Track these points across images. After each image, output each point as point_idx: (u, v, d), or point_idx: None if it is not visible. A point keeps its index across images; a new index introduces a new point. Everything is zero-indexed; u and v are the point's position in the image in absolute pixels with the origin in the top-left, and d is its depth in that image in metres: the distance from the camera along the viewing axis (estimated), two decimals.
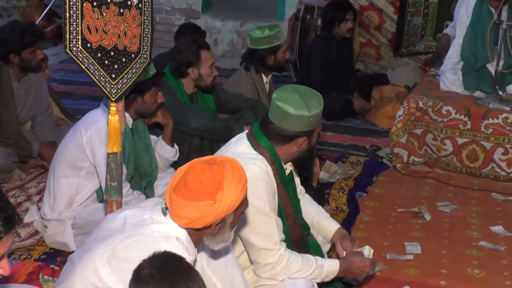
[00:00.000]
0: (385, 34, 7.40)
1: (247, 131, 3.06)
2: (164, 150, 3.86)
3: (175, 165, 3.83)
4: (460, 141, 4.88)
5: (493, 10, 5.15)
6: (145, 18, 2.63)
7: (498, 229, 4.10)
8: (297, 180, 3.28)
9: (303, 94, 2.92)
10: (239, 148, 2.97)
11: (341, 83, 6.20)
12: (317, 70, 6.14)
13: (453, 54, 5.42)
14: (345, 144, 5.51)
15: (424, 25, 7.24)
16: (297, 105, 2.84)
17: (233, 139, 3.07)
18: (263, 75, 4.86)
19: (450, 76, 5.30)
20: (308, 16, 7.10)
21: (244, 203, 2.38)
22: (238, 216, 2.40)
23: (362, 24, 7.40)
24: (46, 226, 3.62)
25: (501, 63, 5.06)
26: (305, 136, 2.92)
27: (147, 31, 2.66)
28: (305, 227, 3.18)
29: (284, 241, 2.94)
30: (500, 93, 5.10)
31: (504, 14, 5.11)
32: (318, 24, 6.90)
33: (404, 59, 7.30)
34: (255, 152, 2.93)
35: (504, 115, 4.79)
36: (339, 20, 6.10)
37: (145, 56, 2.67)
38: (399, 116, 5.04)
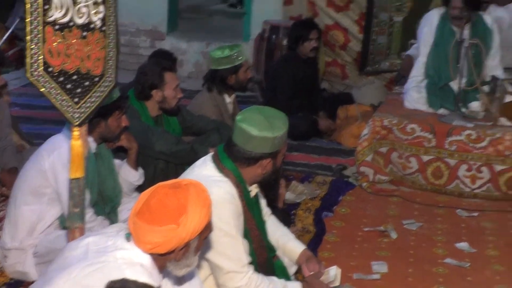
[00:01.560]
0: (351, 53, 7.50)
1: (212, 153, 3.08)
2: (129, 174, 3.86)
3: (140, 189, 3.83)
4: (425, 158, 4.96)
5: (455, 29, 5.26)
6: (109, 40, 2.62)
7: (463, 245, 4.16)
8: (263, 202, 3.31)
9: (268, 115, 2.94)
10: (204, 171, 2.98)
11: (307, 103, 6.25)
12: (283, 90, 6.19)
13: (417, 72, 5.51)
14: (312, 164, 5.56)
15: (389, 44, 7.35)
16: (262, 127, 2.87)
17: (198, 162, 3.10)
18: (226, 96, 4.89)
19: (415, 94, 5.38)
20: (274, 36, 7.17)
21: (209, 226, 2.39)
22: (203, 240, 2.41)
23: (328, 44, 7.49)
24: (6, 256, 3.56)
25: (464, 80, 5.16)
26: (270, 158, 2.95)
27: (112, 54, 2.65)
28: (271, 249, 3.20)
29: (251, 263, 2.96)
30: (463, 110, 5.19)
31: (466, 33, 5.22)
32: (284, 44, 6.98)
33: (370, 77, 7.39)
34: (220, 175, 2.95)
35: (467, 131, 4.87)
36: (303, 40, 6.17)
37: (109, 79, 2.66)
38: (365, 135, 5.10)
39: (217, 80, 4.83)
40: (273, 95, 6.25)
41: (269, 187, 3.29)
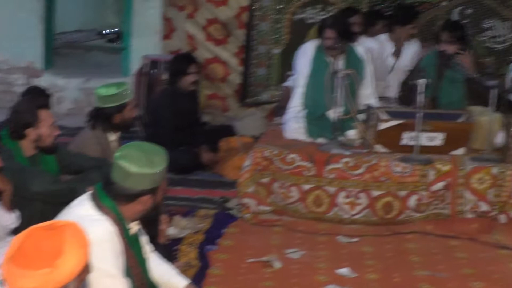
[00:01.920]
0: (231, 85, 7.59)
1: (90, 192, 3.03)
2: (3, 218, 3.73)
3: (17, 232, 3.71)
4: (306, 187, 5.05)
5: (330, 60, 5.43)
6: None
7: (344, 271, 4.25)
8: (144, 239, 3.28)
9: (146, 151, 2.93)
10: (82, 210, 2.93)
11: (189, 136, 6.25)
12: (164, 125, 6.18)
13: (295, 103, 5.63)
14: (195, 198, 5.55)
15: (268, 76, 7.49)
16: (140, 163, 2.85)
17: (75, 201, 3.04)
18: (110, 134, 4.82)
19: (294, 124, 5.49)
20: (154, 71, 7.17)
21: (87, 268, 2.34)
22: (82, 281, 2.37)
23: (208, 77, 7.54)
24: None
25: (340, 110, 5.29)
26: (149, 194, 2.94)
27: None
28: (153, 287, 3.18)
29: None
30: (341, 138, 5.33)
31: (341, 63, 5.38)
32: (164, 78, 6.97)
33: (250, 109, 7.49)
34: (99, 213, 2.90)
35: (345, 159, 5.01)
36: (182, 74, 6.20)
37: None
38: (246, 166, 5.14)
39: (102, 118, 4.73)
40: (155, 129, 6.22)
41: (150, 224, 3.28)
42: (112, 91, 4.68)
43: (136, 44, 7.86)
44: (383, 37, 6.52)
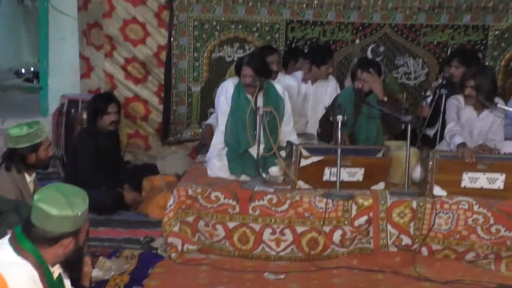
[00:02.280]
0: (152, 124, 7.53)
1: (9, 235, 2.89)
2: None
3: None
4: (231, 225, 5.00)
5: (249, 97, 5.45)
6: None
7: None
8: (67, 282, 3.14)
9: (66, 193, 2.83)
10: (0, 254, 2.79)
11: (111, 176, 6.14)
12: (84, 165, 6.04)
13: (218, 141, 5.62)
14: (119, 238, 5.40)
15: (189, 114, 7.46)
16: (60, 206, 2.75)
17: None
18: (26, 174, 4.66)
19: (216, 162, 5.45)
20: (72, 110, 7.02)
21: None
22: None
23: (129, 115, 7.47)
24: None
25: (262, 147, 5.31)
26: (71, 237, 2.83)
27: None
28: None
29: None
30: (264, 175, 5.33)
31: (260, 101, 5.42)
32: (83, 117, 6.85)
33: (173, 147, 7.44)
34: (19, 257, 2.77)
35: (269, 196, 4.99)
36: (102, 113, 6.10)
37: None
38: (170, 205, 5.05)
39: (16, 159, 4.58)
40: (74, 170, 6.08)
41: (73, 267, 3.14)
42: (25, 131, 4.53)
43: (54, 83, 7.70)
44: (300, 74, 6.60)
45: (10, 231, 3.15)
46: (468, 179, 5.04)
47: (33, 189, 4.71)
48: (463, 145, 5.18)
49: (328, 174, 5.09)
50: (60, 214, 2.75)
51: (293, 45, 7.24)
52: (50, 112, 7.60)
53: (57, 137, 7.05)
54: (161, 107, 7.46)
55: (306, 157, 5.12)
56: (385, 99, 5.55)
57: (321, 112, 6.24)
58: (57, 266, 2.94)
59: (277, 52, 6.53)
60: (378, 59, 7.22)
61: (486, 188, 5.04)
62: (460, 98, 5.63)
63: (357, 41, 7.30)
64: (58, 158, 6.97)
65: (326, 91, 6.60)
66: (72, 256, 2.92)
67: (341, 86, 6.65)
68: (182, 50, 7.28)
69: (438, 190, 5.04)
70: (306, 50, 7.10)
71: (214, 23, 7.21)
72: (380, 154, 5.30)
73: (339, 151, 4.96)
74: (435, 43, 7.30)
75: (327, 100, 6.46)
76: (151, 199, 6.07)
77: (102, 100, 6.21)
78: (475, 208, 4.93)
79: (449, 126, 5.50)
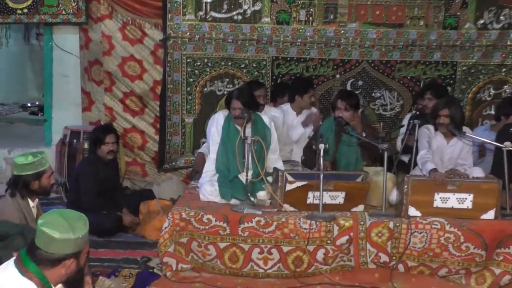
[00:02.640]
0: (149, 153, 7.51)
1: (14, 257, 2.88)
2: None
3: None
4: (222, 245, 4.98)
5: (238, 127, 5.47)
6: None
7: None
8: None
9: (68, 217, 2.84)
10: (6, 276, 2.78)
11: (111, 201, 6.13)
12: (86, 191, 6.02)
13: (209, 168, 5.62)
14: (118, 259, 5.37)
15: (183, 143, 7.45)
16: (62, 229, 2.76)
17: (0, 267, 2.87)
18: (29, 200, 4.63)
19: (208, 187, 5.44)
20: (75, 141, 7.02)
21: None
22: None
23: (127, 145, 7.46)
24: None
25: (250, 173, 5.32)
26: (73, 258, 2.83)
27: None
28: None
29: None
30: (252, 199, 5.33)
31: (249, 131, 5.44)
32: (85, 147, 6.84)
33: (168, 174, 7.42)
34: (23, 278, 2.77)
35: (257, 218, 4.98)
36: (100, 143, 6.11)
37: None
38: (166, 227, 5.03)
39: (20, 185, 4.57)
40: (77, 196, 6.05)
41: (74, 286, 3.11)
42: (30, 159, 4.55)
43: (57, 116, 7.68)
44: (286, 107, 6.62)
45: (15, 253, 3.14)
46: (439, 199, 5.06)
47: (36, 214, 4.69)
48: (434, 170, 5.21)
49: (311, 197, 5.09)
50: (63, 237, 2.75)
51: (278, 80, 7.27)
52: (53, 143, 7.58)
53: (60, 166, 7.03)
54: (157, 137, 7.45)
55: (291, 182, 5.12)
56: (364, 134, 5.59)
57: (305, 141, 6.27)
58: (60, 285, 2.92)
59: (263, 87, 6.56)
60: (357, 92, 7.25)
61: (456, 208, 5.06)
62: (431, 127, 5.68)
63: (338, 76, 7.34)
64: (61, 185, 6.94)
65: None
66: (73, 276, 2.92)
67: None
68: (176, 85, 7.29)
69: (413, 211, 5.06)
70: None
71: (206, 60, 7.24)
72: (359, 179, 5.31)
73: (321, 176, 4.97)
74: (408, 78, 7.34)
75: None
76: (147, 222, 6.04)
77: (100, 131, 6.23)
78: (447, 227, 4.93)
79: (421, 154, 5.53)
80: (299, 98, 6.53)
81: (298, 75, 7.26)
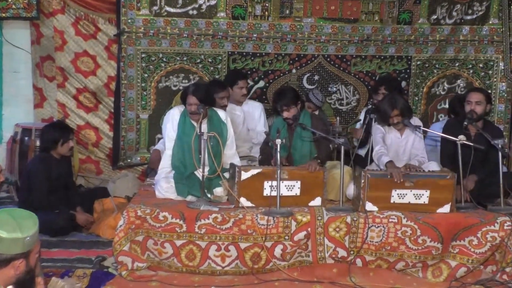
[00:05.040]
0: (103, 150, 7.40)
1: None
2: None
3: None
4: (178, 243, 4.91)
5: (194, 123, 5.40)
6: None
7: None
8: None
9: (17, 216, 2.74)
10: None
11: (64, 199, 5.98)
12: (38, 189, 5.85)
13: (165, 164, 5.56)
14: (72, 258, 5.23)
15: (138, 140, 7.35)
16: (10, 228, 2.66)
17: None
18: None
19: (164, 184, 5.37)
20: (26, 138, 6.82)
21: None
22: None
23: (80, 142, 7.33)
24: None
25: (207, 169, 5.26)
26: (22, 258, 2.72)
27: None
28: None
29: None
30: (209, 195, 5.28)
31: (205, 127, 5.39)
32: (37, 145, 6.66)
33: (123, 171, 7.31)
34: None
35: (214, 215, 4.92)
36: (55, 141, 5.96)
37: None
38: (121, 225, 4.92)
39: None
40: (29, 194, 5.87)
41: (25, 287, 3.01)
42: None
43: (8, 113, 7.48)
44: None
45: None
46: (397, 195, 5.08)
47: None
48: (390, 162, 5.24)
49: (268, 188, 5.06)
50: (10, 237, 2.65)
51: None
52: (4, 140, 7.37)
53: (11, 164, 6.84)
54: (111, 134, 7.34)
55: (246, 170, 5.08)
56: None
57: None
58: (10, 287, 2.81)
59: (227, 88, 6.44)
60: (313, 86, 7.27)
61: (413, 203, 5.09)
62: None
63: (294, 70, 7.33)
64: (12, 184, 6.76)
65: (255, 116, 6.64)
66: (24, 276, 2.82)
67: None
68: (131, 80, 7.18)
69: (370, 206, 5.06)
70: None
71: (161, 55, 7.14)
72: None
73: (279, 171, 4.95)
74: (364, 72, 7.37)
75: (261, 125, 6.61)
76: (102, 220, 5.92)
77: (55, 129, 6.06)
78: (404, 221, 4.95)
79: (376, 149, 5.58)
80: (230, 90, 6.52)
81: (254, 70, 7.23)
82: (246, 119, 6.56)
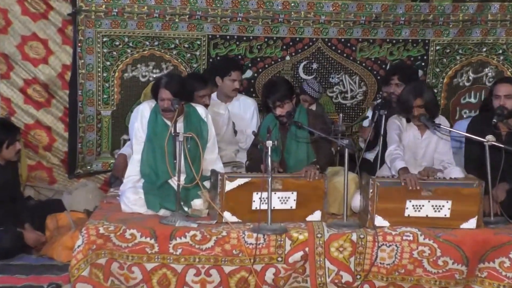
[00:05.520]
0: (57, 154, 7.41)
1: None
2: None
3: None
4: (149, 266, 4.93)
5: (168, 122, 5.42)
6: None
7: None
8: None
9: None
10: None
11: (9, 214, 6.00)
12: None
13: (133, 171, 5.60)
14: (18, 286, 5.25)
15: (99, 142, 7.36)
16: None
17: None
18: None
19: (131, 195, 5.40)
20: None
21: None
22: None
23: (29, 145, 7.33)
24: None
25: (183, 177, 5.29)
26: None
27: None
28: None
29: None
30: (186, 209, 5.30)
31: (181, 126, 5.42)
32: None
33: (82, 180, 7.34)
34: None
35: (192, 232, 4.95)
36: (8, 143, 5.98)
37: None
38: (79, 246, 4.92)
39: None
40: None
41: None
42: None
43: None
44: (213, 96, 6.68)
45: None
46: (412, 208, 5.13)
47: None
48: (404, 170, 5.27)
49: (257, 200, 5.10)
50: None
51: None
52: None
53: None
54: (66, 135, 7.34)
55: (232, 179, 5.11)
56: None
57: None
58: None
59: (209, 85, 6.48)
60: (311, 77, 7.31)
61: (431, 217, 5.14)
62: (402, 118, 5.75)
63: (288, 57, 7.38)
64: None
65: (245, 115, 6.72)
66: None
67: None
68: (90, 70, 7.19)
69: (380, 221, 5.11)
70: None
71: (126, 39, 7.16)
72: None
73: (269, 179, 4.98)
74: (372, 59, 7.43)
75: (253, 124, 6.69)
76: (56, 239, 5.95)
77: (7, 129, 6.09)
78: (421, 239, 5.01)
79: (390, 149, 5.60)
80: (220, 81, 6.56)
81: (240, 57, 7.26)
82: (235, 119, 6.60)
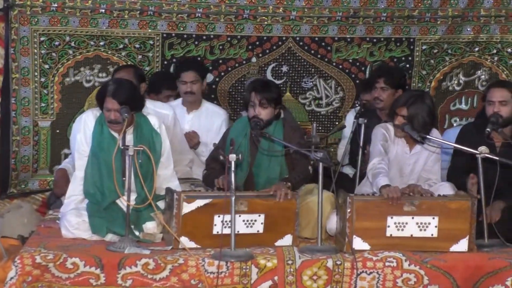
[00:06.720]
0: None
1: None
2: None
3: None
4: None
5: (116, 134, 5.42)
6: None
7: None
8: None
9: None
10: None
11: None
12: None
13: (75, 191, 5.60)
14: None
15: (36, 157, 7.30)
16: None
17: None
18: None
19: (73, 218, 5.39)
20: None
21: None
22: None
23: None
24: None
25: (134, 196, 5.30)
26: None
27: None
28: None
29: None
30: (137, 233, 5.31)
31: (130, 138, 5.42)
32: None
33: (15, 201, 7.25)
34: None
35: (144, 260, 4.95)
36: None
37: None
38: (12, 278, 4.90)
39: None
40: None
41: None
42: None
43: None
44: (176, 102, 6.74)
45: None
46: (394, 226, 5.19)
47: None
48: (387, 187, 5.29)
49: (219, 224, 5.12)
50: None
51: (172, 67, 7.24)
52: None
53: None
54: None
55: (190, 201, 5.13)
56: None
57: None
58: None
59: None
60: (280, 81, 7.33)
61: (417, 237, 5.20)
62: (390, 127, 5.76)
63: (254, 59, 7.39)
64: None
65: (212, 127, 6.74)
66: None
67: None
68: (25, 74, 7.15)
69: (359, 243, 5.15)
70: None
71: (68, 38, 7.14)
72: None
73: (233, 198, 4.99)
74: (350, 61, 7.47)
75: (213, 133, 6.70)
76: None
77: None
78: (405, 265, 5.06)
79: (374, 162, 5.59)
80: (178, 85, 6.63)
81: (199, 58, 7.26)
82: (200, 130, 6.63)
